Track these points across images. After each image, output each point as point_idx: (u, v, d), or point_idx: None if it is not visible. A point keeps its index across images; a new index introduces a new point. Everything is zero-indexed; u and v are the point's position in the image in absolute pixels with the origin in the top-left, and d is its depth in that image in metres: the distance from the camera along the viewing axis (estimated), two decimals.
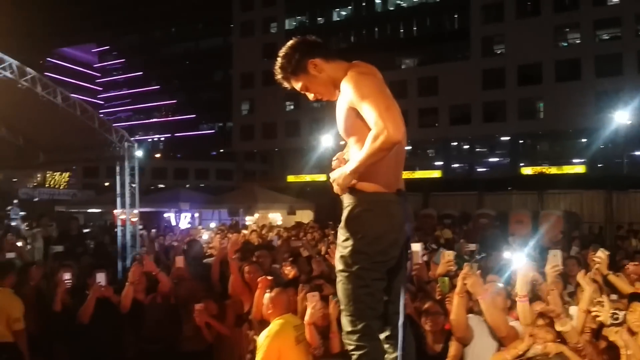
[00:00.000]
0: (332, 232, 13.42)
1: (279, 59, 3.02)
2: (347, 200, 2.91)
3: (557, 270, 4.63)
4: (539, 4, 42.93)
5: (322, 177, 40.29)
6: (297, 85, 3.05)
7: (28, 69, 9.23)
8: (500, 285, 4.45)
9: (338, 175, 2.85)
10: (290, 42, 3.04)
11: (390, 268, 2.92)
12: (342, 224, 2.93)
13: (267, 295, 4.74)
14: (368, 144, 2.68)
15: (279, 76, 3.06)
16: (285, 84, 3.08)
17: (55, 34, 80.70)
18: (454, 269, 5.71)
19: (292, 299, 4.83)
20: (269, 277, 5.38)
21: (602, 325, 3.93)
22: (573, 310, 3.91)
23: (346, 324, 2.91)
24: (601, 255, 5.19)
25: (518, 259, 5.52)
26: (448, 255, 5.56)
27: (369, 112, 2.70)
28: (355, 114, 2.79)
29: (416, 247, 5.29)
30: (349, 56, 3.12)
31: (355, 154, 2.80)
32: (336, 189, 2.88)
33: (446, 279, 5.25)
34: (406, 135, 3.01)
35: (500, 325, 3.91)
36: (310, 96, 3.09)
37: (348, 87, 2.82)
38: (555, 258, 4.65)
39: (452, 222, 20.65)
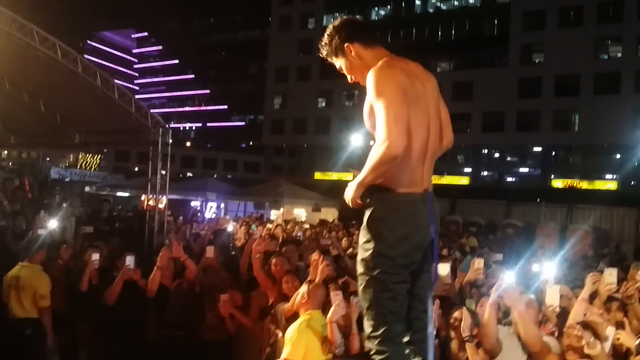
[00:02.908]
0: (357, 231, 13.40)
1: (324, 36, 3.01)
2: (369, 201, 2.83)
3: (610, 290, 4.52)
4: (582, 14, 42.10)
5: (349, 176, 40.02)
6: (337, 65, 3.04)
7: (70, 49, 9.37)
8: (532, 297, 4.36)
9: (350, 190, 2.78)
10: (335, 22, 3.01)
11: (413, 271, 2.83)
12: (364, 225, 2.85)
13: (304, 287, 4.71)
14: (371, 156, 2.63)
15: (323, 52, 3.04)
16: (329, 60, 3.07)
17: (96, 18, 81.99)
18: (482, 277, 5.64)
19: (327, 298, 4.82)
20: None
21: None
22: (610, 331, 3.81)
23: (367, 327, 2.85)
24: None
25: (548, 270, 5.44)
26: (478, 262, 5.49)
27: (378, 117, 2.64)
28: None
29: (445, 267, 5.16)
30: None
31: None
32: (349, 202, 2.81)
33: (473, 302, 5.15)
34: (445, 136, 2.98)
35: (535, 340, 3.81)
36: (348, 78, 3.05)
37: (369, 81, 2.75)
38: (611, 277, 4.53)
39: (478, 230, 20.50)
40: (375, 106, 2.67)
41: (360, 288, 2.86)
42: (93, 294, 6.32)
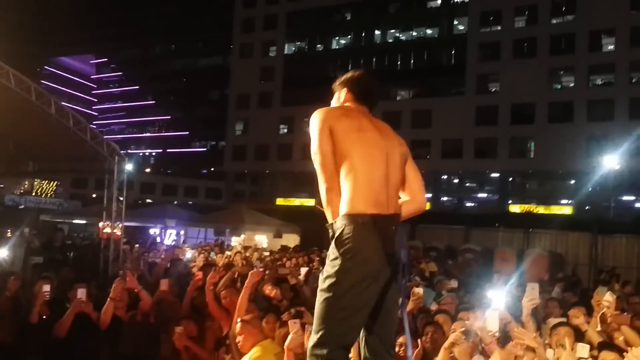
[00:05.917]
0: (317, 258, 13.37)
1: (348, 75, 3.33)
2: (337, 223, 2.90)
3: (534, 303, 4.65)
4: (535, 45, 43.53)
5: (311, 202, 40.30)
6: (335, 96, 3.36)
7: (24, 77, 9.24)
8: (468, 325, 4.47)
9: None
10: (363, 75, 3.33)
11: (374, 305, 2.84)
12: (332, 242, 2.89)
13: (238, 324, 4.66)
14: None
15: (336, 82, 3.38)
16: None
17: (55, 43, 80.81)
18: (421, 305, 5.75)
19: (269, 325, 4.80)
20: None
21: None
22: (550, 354, 3.90)
23: (310, 341, 2.88)
24: (609, 299, 5.09)
25: (496, 298, 5.53)
26: (417, 291, 5.57)
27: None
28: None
29: None
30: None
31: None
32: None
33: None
34: (417, 199, 3.28)
35: None
36: None
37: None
38: (533, 291, 4.67)
39: (438, 256, 20.63)
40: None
41: (316, 302, 2.89)
42: (43, 326, 6.15)
